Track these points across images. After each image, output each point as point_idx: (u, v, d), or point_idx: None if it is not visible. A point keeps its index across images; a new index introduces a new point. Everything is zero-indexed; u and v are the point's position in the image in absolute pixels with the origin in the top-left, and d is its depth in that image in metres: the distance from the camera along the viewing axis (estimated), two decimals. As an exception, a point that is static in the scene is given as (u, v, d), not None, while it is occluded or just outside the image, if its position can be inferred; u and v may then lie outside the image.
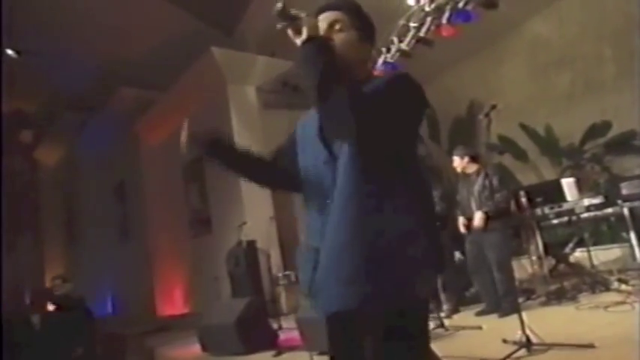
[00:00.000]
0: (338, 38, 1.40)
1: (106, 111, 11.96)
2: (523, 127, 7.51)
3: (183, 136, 1.48)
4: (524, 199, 5.19)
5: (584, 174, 6.74)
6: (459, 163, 5.07)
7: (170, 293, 10.75)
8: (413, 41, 6.59)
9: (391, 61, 6.84)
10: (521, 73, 7.84)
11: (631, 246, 5.13)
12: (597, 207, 5.11)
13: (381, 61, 7.01)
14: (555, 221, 5.41)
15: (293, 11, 1.29)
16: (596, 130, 6.93)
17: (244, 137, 8.35)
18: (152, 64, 9.34)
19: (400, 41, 6.70)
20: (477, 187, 4.86)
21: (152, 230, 11.23)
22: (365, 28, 1.44)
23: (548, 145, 7.44)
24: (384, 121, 1.23)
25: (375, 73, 7.11)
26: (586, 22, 7.13)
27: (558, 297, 4.72)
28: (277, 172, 1.58)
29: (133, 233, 12.34)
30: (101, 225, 13.48)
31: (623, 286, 4.60)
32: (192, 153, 1.48)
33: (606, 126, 6.86)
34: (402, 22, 6.67)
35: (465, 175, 5.06)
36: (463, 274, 5.50)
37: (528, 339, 3.15)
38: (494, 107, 3.76)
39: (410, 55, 6.62)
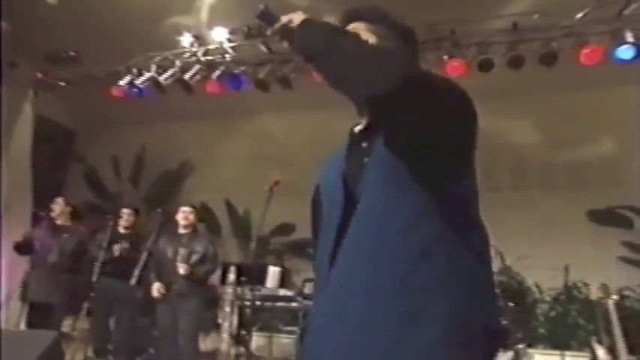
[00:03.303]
0: None
1: None
2: (228, 204, 7.80)
3: None
4: (232, 275, 5.21)
5: (268, 263, 7.32)
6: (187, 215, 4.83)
7: None
8: (171, 79, 6.22)
9: (140, 85, 6.21)
10: (242, 154, 8.15)
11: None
12: (287, 299, 5.56)
13: (126, 80, 6.30)
14: (247, 303, 5.57)
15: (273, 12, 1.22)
16: (284, 228, 7.76)
17: None
18: None
19: (158, 73, 6.22)
20: (186, 250, 4.68)
21: None
22: (390, 34, 1.32)
23: (242, 228, 7.86)
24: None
25: (115, 92, 6.29)
26: (309, 137, 8.14)
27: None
28: None
29: None
30: None
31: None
32: None
33: (291, 228, 7.78)
34: (168, 54, 6.26)
35: (175, 233, 4.79)
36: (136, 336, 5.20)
37: None
38: (277, 183, 3.85)
39: (164, 91, 6.18)
